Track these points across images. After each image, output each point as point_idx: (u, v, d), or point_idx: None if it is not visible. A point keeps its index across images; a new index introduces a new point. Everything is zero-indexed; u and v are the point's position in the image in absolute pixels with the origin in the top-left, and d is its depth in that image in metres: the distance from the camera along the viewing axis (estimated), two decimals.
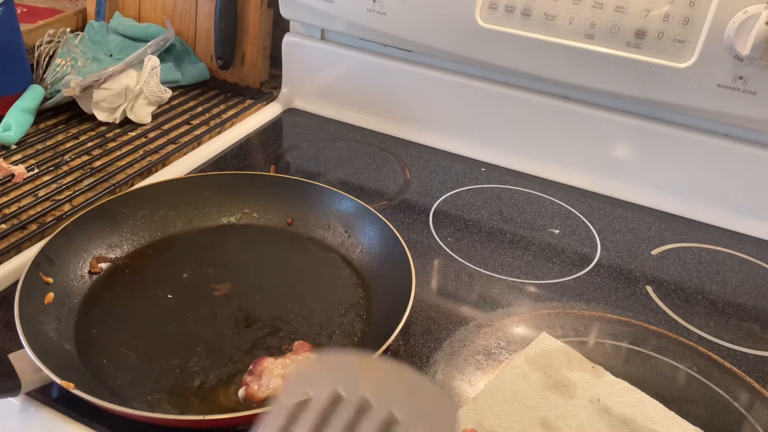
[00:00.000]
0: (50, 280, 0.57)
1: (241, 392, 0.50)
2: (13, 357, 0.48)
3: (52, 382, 0.47)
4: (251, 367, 0.51)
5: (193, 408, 0.50)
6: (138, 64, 0.91)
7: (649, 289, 0.69)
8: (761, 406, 0.55)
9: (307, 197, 0.72)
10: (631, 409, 0.52)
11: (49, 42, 0.97)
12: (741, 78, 0.73)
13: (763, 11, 0.69)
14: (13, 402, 0.50)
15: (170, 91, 0.94)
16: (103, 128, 0.88)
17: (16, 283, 0.55)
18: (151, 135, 0.88)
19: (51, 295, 0.56)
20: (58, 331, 0.54)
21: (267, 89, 1.04)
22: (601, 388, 0.54)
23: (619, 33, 0.77)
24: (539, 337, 0.59)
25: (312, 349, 0.55)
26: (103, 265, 0.63)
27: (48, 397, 0.50)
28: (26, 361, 0.47)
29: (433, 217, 0.77)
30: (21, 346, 0.48)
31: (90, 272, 0.61)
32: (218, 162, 0.86)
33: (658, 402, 0.53)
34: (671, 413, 0.52)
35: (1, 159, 0.78)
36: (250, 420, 0.47)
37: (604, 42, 0.78)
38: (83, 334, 0.55)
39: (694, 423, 0.53)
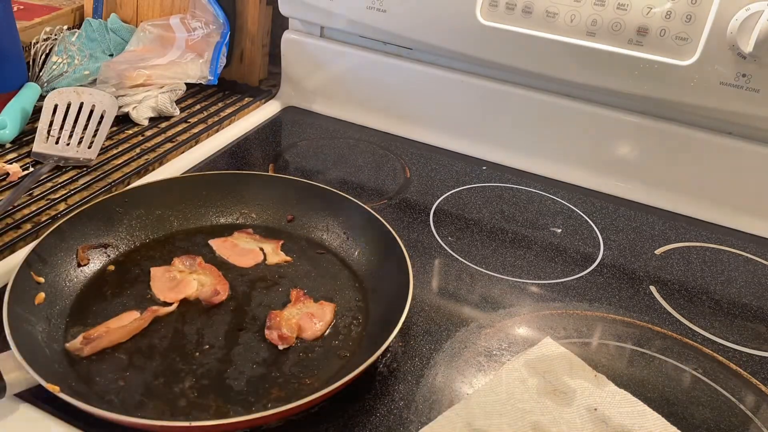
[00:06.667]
0: (42, 279, 0.56)
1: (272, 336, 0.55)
2: (0, 358, 0.47)
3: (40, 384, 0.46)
4: (268, 322, 0.57)
5: (182, 413, 0.48)
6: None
7: (652, 289, 0.68)
8: None
9: (306, 197, 0.71)
10: (630, 421, 0.51)
11: (45, 39, 0.96)
12: (744, 75, 0.72)
13: (765, 8, 0.68)
14: (1, 403, 0.48)
15: (178, 110, 0.92)
16: None
17: None
18: (149, 133, 0.87)
19: (42, 295, 0.55)
20: (47, 332, 0.53)
21: (266, 87, 1.03)
22: (600, 397, 0.52)
23: (620, 30, 0.76)
24: (542, 341, 0.58)
25: (305, 295, 0.60)
26: (91, 255, 0.61)
27: (36, 398, 0.49)
28: (13, 362, 0.46)
29: (433, 217, 0.76)
30: (9, 347, 0.47)
31: (79, 264, 0.60)
32: (216, 161, 0.85)
33: (660, 416, 0.51)
34: (673, 429, 0.51)
35: None
36: (239, 426, 0.46)
37: (606, 39, 0.77)
38: (74, 336, 0.54)
39: (699, 426, 0.52)
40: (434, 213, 0.77)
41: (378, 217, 0.65)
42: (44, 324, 0.54)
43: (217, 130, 0.91)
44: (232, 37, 0.98)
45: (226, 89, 1.01)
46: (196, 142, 0.87)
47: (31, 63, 0.92)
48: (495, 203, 0.80)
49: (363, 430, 0.49)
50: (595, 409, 0.51)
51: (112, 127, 0.86)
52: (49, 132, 0.80)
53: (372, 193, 0.80)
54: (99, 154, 0.80)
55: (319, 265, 0.65)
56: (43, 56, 0.93)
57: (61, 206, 0.70)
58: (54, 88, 0.87)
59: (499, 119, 0.89)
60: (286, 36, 1.00)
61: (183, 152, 0.85)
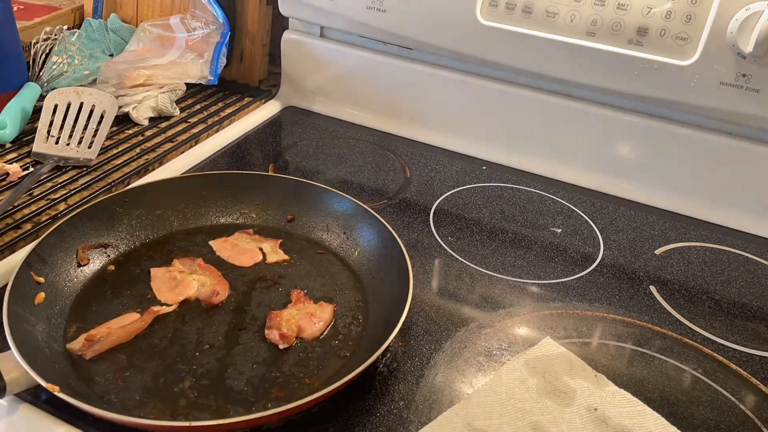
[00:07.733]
0: (42, 279, 0.56)
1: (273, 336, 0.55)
2: (0, 358, 0.47)
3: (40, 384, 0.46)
4: (268, 322, 0.57)
5: (182, 413, 0.48)
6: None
7: (652, 289, 0.68)
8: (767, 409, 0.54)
9: (305, 197, 0.71)
10: (630, 421, 0.51)
11: (45, 39, 0.96)
12: (744, 75, 0.72)
13: (765, 8, 0.68)
14: (1, 403, 0.48)
15: (178, 110, 0.92)
16: None
17: None
18: (149, 133, 0.87)
19: (42, 295, 0.55)
20: (47, 332, 0.53)
21: (266, 87, 1.03)
22: (600, 397, 0.52)
23: (620, 30, 0.76)
24: (542, 341, 0.58)
25: (305, 296, 0.60)
26: (91, 255, 0.61)
27: (37, 398, 0.49)
28: (13, 362, 0.46)
29: (433, 216, 0.76)
30: (9, 347, 0.47)
31: (79, 264, 0.60)
32: (216, 160, 0.85)
33: (660, 416, 0.51)
34: (673, 429, 0.51)
35: None
36: (239, 426, 0.46)
37: (606, 39, 0.77)
38: (73, 336, 0.54)
39: (699, 426, 0.52)
40: (434, 213, 0.77)
41: (378, 217, 0.65)
42: (44, 324, 0.54)
43: (217, 130, 0.91)
44: (232, 37, 0.98)
45: (226, 89, 1.01)
46: (196, 142, 0.87)
47: (31, 63, 0.92)
48: (495, 203, 0.80)
49: (363, 430, 0.49)
50: (595, 409, 0.51)
51: (112, 127, 0.86)
52: (49, 132, 0.80)
53: (372, 193, 0.80)
54: (99, 154, 0.80)
55: (319, 265, 0.65)
56: (43, 56, 0.93)
57: (61, 206, 0.70)
58: (54, 88, 0.87)
59: (499, 119, 0.89)
60: (286, 36, 1.00)
61: (183, 152, 0.85)
